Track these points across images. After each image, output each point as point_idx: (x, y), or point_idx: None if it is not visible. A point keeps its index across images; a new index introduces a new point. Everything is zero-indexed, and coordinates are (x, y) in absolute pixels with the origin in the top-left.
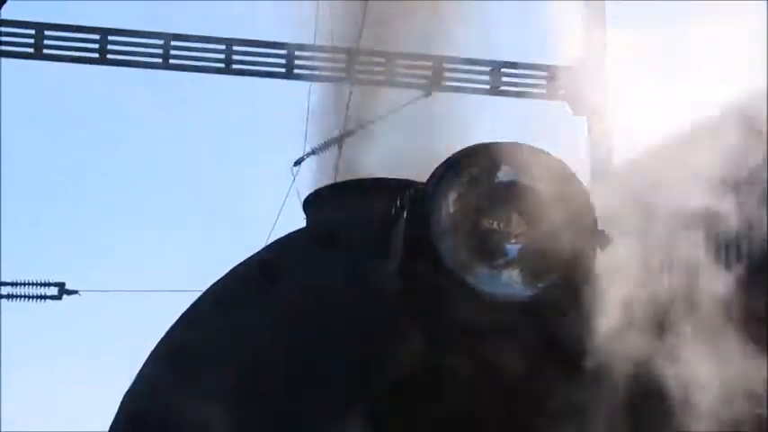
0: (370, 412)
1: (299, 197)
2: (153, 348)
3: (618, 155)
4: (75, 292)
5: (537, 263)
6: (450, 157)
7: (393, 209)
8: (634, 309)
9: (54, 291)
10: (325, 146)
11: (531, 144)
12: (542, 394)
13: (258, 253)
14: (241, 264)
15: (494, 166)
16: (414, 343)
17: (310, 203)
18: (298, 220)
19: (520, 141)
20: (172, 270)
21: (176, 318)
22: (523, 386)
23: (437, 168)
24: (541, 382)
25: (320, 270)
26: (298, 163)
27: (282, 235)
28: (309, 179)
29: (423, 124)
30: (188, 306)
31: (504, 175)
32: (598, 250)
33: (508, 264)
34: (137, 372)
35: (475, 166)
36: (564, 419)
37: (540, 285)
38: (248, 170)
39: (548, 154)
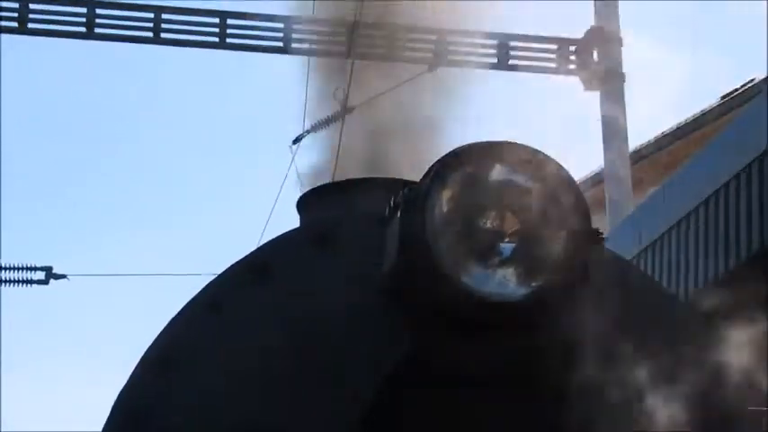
0: (364, 413)
1: (298, 177)
2: (146, 349)
3: (632, 132)
4: (64, 276)
5: (531, 262)
6: (443, 156)
7: (387, 208)
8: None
9: (41, 275)
10: (324, 123)
11: (525, 143)
12: (538, 392)
13: (251, 253)
14: (234, 264)
15: (488, 166)
16: (408, 343)
17: (304, 204)
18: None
19: (513, 140)
20: (164, 255)
21: (170, 309)
22: (519, 386)
23: (431, 167)
24: (537, 380)
25: (314, 271)
26: (297, 141)
27: (276, 235)
28: (309, 160)
29: (426, 100)
30: (181, 307)
31: (497, 174)
32: (592, 248)
33: (502, 263)
34: (129, 372)
35: (469, 166)
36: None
37: (534, 284)
38: (245, 151)
39: (541, 153)
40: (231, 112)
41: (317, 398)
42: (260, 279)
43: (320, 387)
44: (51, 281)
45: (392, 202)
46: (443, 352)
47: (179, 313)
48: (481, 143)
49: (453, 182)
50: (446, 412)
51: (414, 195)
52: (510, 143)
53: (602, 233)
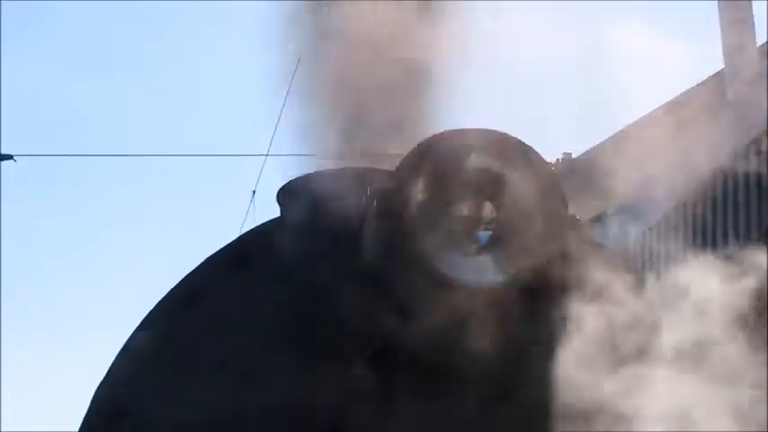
0: (348, 399)
1: None
2: (125, 341)
3: (759, 42)
4: (10, 157)
5: (508, 249)
6: (419, 145)
7: (365, 197)
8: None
9: None
10: None
11: (501, 130)
12: (513, 377)
13: (231, 243)
14: (214, 254)
15: (463, 154)
16: (388, 330)
17: (284, 193)
18: None
19: (489, 128)
20: (123, 131)
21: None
22: (496, 369)
23: (407, 156)
24: (512, 365)
25: (294, 260)
26: None
27: (255, 225)
28: None
29: None
30: (161, 297)
31: (473, 161)
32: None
33: (480, 250)
34: (109, 365)
35: (445, 154)
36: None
37: (511, 271)
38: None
39: (517, 140)
40: None
41: (304, 381)
42: (240, 269)
43: (301, 373)
44: None
45: (369, 191)
46: (419, 338)
47: (158, 304)
48: (456, 131)
49: (429, 171)
50: (425, 393)
51: (390, 184)
52: (485, 130)
53: (578, 219)
